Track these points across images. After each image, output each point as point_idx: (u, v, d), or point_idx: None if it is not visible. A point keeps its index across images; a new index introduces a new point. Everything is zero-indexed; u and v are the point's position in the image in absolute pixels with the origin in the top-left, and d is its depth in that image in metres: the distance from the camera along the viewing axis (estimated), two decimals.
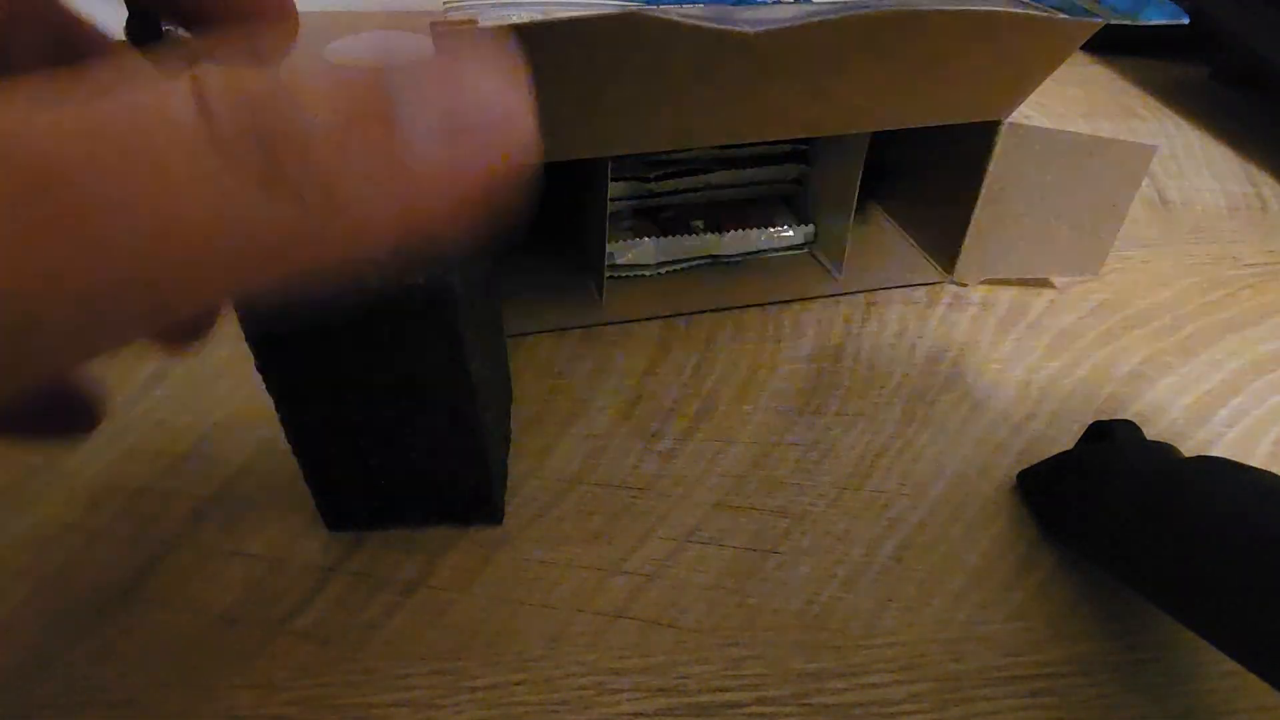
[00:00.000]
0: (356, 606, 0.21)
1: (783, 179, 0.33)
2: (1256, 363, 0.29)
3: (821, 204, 0.32)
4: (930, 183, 0.32)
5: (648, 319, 0.30)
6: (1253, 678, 0.16)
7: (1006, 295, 0.32)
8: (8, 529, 0.23)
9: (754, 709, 0.19)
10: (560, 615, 0.21)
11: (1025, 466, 0.24)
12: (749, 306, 0.31)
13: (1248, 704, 0.19)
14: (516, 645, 0.20)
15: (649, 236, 0.31)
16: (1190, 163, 0.42)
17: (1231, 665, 0.17)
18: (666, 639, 0.21)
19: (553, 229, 0.34)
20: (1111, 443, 0.23)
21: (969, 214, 0.29)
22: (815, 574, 0.22)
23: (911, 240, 0.33)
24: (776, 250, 0.33)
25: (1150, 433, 0.23)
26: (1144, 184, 0.40)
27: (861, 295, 0.32)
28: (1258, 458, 0.25)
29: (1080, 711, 0.19)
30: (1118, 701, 0.19)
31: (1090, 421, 0.24)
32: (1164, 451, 0.21)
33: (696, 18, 0.20)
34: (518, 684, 0.19)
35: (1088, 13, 0.23)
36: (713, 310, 0.31)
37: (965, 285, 0.32)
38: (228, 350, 0.29)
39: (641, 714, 0.19)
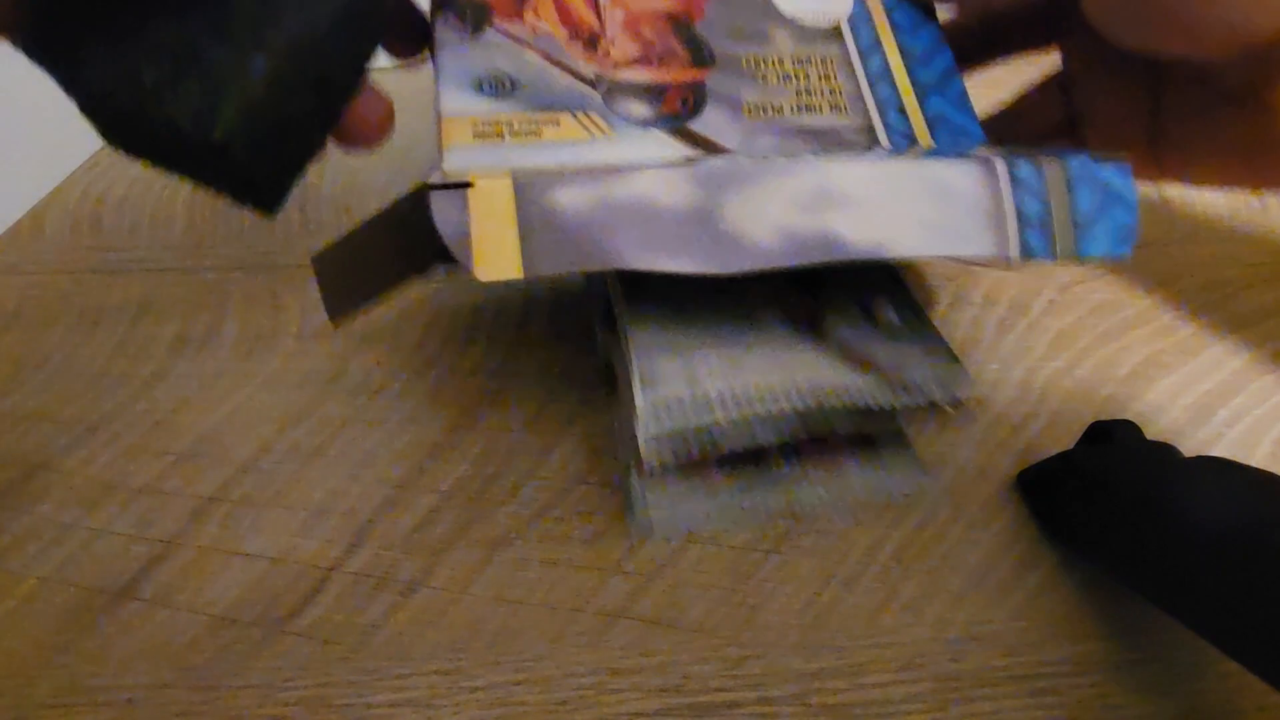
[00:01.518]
0: (356, 606, 0.21)
1: None
2: (1256, 363, 0.29)
3: None
4: None
5: None
6: (1253, 678, 0.16)
7: (1006, 295, 0.32)
8: (8, 529, 0.23)
9: (754, 709, 0.19)
10: (560, 615, 0.21)
11: (1025, 466, 0.24)
12: None
13: (1248, 704, 0.19)
14: (516, 645, 0.20)
15: (699, 488, 0.22)
16: None
17: (1231, 665, 0.17)
18: (666, 639, 0.21)
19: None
20: (1111, 443, 0.23)
21: None
22: (815, 574, 0.22)
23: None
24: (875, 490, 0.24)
25: (1150, 433, 0.23)
26: (1145, 184, 0.40)
27: None
28: (1258, 458, 0.25)
29: (1080, 711, 0.19)
30: (1118, 701, 0.19)
31: (1090, 421, 0.24)
32: (1164, 451, 0.21)
33: (679, 258, 0.17)
34: (518, 684, 0.19)
35: (1047, 235, 0.19)
36: None
37: None
38: (228, 350, 0.29)
39: (641, 714, 0.19)
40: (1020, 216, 0.19)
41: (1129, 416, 0.25)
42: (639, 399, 0.19)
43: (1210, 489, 0.18)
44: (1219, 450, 0.26)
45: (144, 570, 0.22)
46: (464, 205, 0.16)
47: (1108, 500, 0.20)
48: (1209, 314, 0.31)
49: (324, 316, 0.31)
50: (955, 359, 0.21)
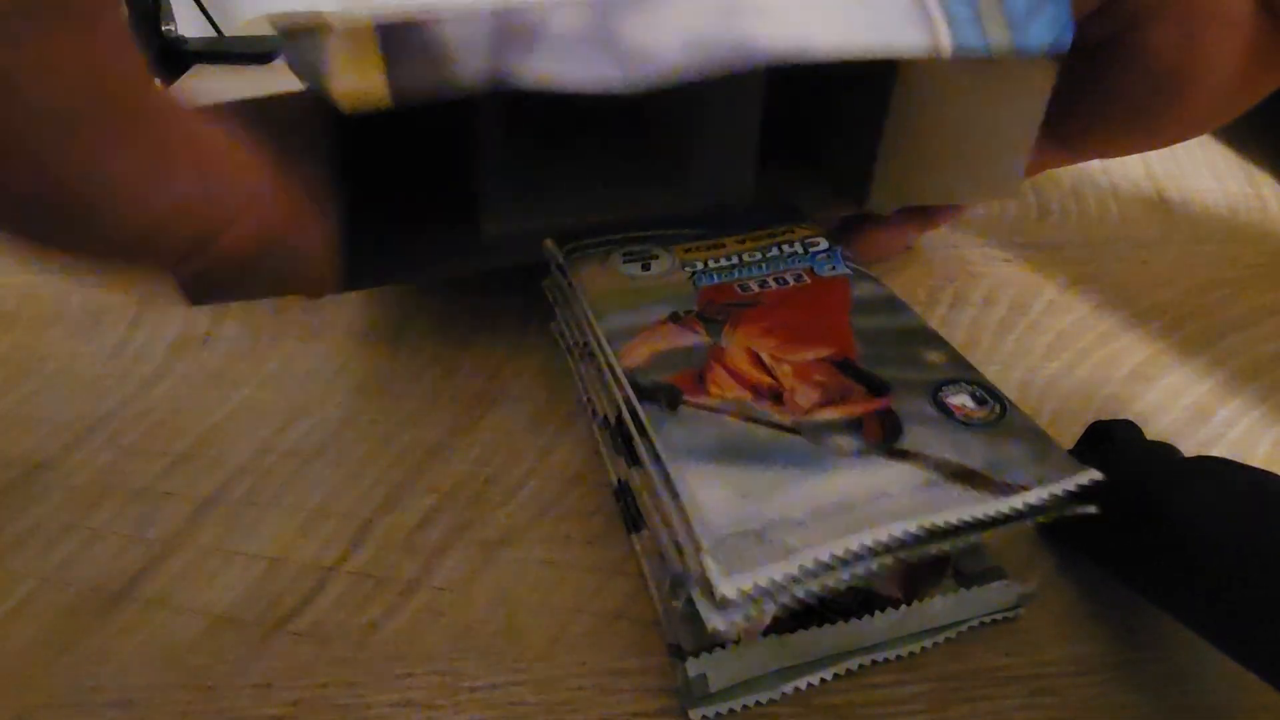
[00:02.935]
0: (356, 606, 0.21)
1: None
2: (1256, 363, 0.29)
3: (717, 149, 0.28)
4: (833, 125, 0.31)
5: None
6: (1253, 678, 0.16)
7: (1007, 295, 0.32)
8: (8, 529, 0.23)
9: (754, 709, 0.19)
10: (560, 615, 0.21)
11: None
12: None
13: (1248, 704, 0.19)
14: (516, 645, 0.20)
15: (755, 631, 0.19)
16: (1190, 163, 0.42)
17: (1231, 665, 0.17)
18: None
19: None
20: (1111, 443, 0.23)
21: (876, 141, 0.28)
22: None
23: (819, 178, 0.31)
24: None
25: (1150, 433, 0.23)
26: (1144, 183, 0.40)
27: None
28: (1258, 458, 0.25)
29: (1080, 711, 0.19)
30: (1118, 701, 0.19)
31: (1090, 421, 0.24)
32: (1164, 452, 0.21)
33: (570, 67, 0.19)
34: (518, 684, 0.19)
35: (979, 25, 0.21)
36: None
37: (881, 214, 0.30)
38: (227, 350, 0.29)
39: (641, 714, 0.19)
40: (949, 18, 0.21)
41: (1129, 416, 0.25)
42: (707, 559, 0.16)
43: (1210, 489, 0.18)
44: (1219, 450, 0.26)
45: (144, 570, 0.22)
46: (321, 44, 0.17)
47: (1108, 500, 0.20)
48: (1209, 314, 0.31)
49: (324, 316, 0.31)
50: (1052, 443, 0.19)
